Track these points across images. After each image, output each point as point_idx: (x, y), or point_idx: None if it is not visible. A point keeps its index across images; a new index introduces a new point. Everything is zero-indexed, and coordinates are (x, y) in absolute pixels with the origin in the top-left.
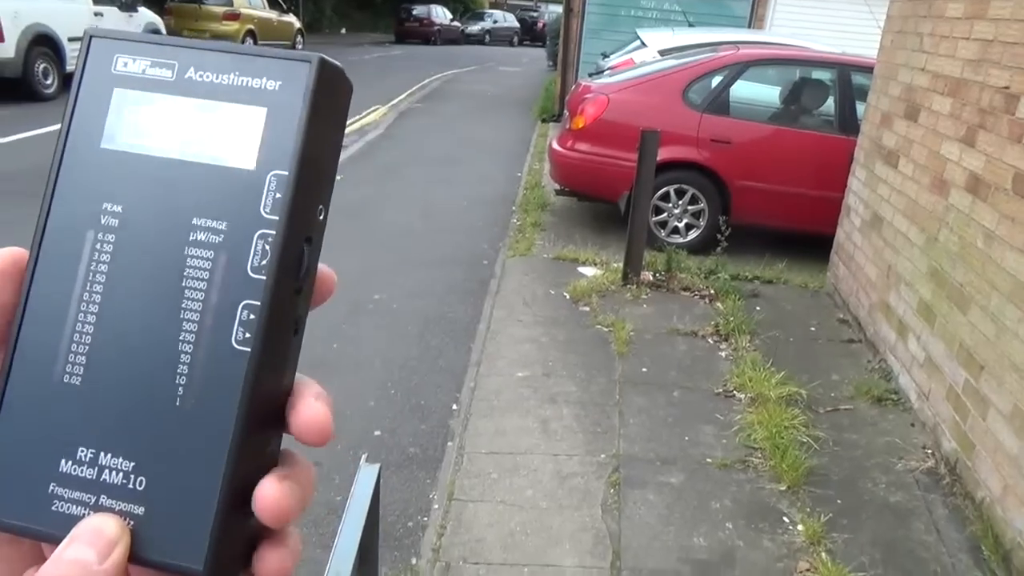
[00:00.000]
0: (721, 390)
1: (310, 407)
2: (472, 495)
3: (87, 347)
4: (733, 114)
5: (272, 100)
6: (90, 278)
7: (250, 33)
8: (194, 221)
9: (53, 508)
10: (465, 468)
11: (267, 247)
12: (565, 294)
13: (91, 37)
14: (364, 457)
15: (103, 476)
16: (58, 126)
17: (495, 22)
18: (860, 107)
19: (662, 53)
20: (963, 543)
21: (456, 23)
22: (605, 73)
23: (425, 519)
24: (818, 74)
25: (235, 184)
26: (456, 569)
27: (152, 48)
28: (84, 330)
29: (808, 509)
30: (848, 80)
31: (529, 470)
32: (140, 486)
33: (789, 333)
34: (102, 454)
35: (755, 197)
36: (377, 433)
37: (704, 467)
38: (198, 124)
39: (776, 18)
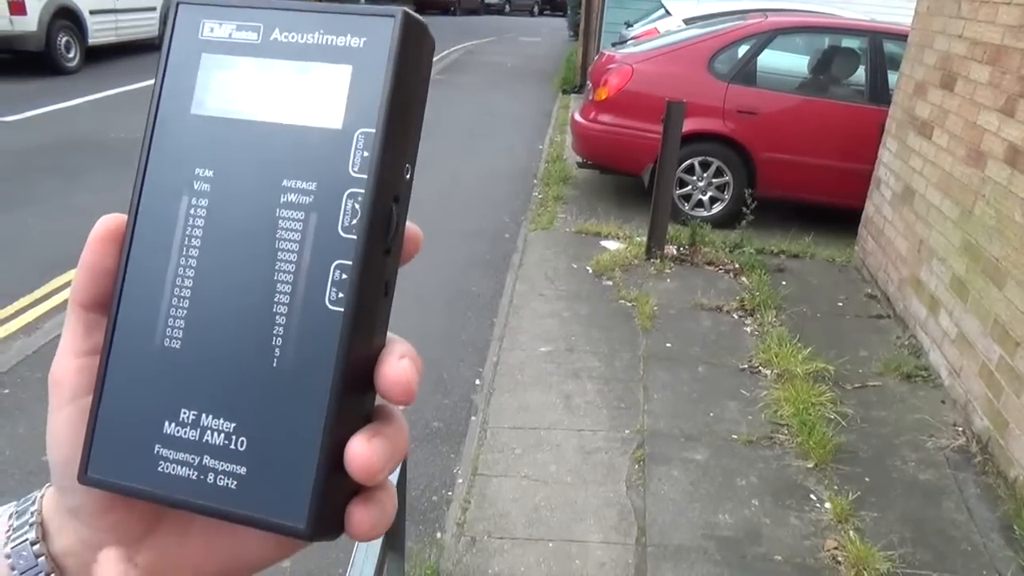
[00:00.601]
0: (747, 366)
1: (394, 366)
2: (496, 470)
3: (185, 311)
4: (760, 84)
5: (357, 58)
6: (185, 243)
7: None
8: (284, 183)
9: (159, 469)
10: (489, 443)
11: (356, 206)
12: (588, 268)
13: (178, 3)
14: None
15: (205, 437)
16: (83, 99)
17: None
18: (892, 77)
19: (687, 22)
20: (995, 523)
21: None
22: (629, 43)
23: (449, 493)
24: (849, 42)
25: (323, 144)
26: (481, 543)
27: (237, 12)
28: (181, 295)
29: (836, 487)
30: (880, 48)
31: (553, 445)
32: (241, 447)
33: (816, 308)
34: (204, 416)
35: (782, 169)
36: (400, 407)
37: (729, 443)
38: (284, 85)
39: None
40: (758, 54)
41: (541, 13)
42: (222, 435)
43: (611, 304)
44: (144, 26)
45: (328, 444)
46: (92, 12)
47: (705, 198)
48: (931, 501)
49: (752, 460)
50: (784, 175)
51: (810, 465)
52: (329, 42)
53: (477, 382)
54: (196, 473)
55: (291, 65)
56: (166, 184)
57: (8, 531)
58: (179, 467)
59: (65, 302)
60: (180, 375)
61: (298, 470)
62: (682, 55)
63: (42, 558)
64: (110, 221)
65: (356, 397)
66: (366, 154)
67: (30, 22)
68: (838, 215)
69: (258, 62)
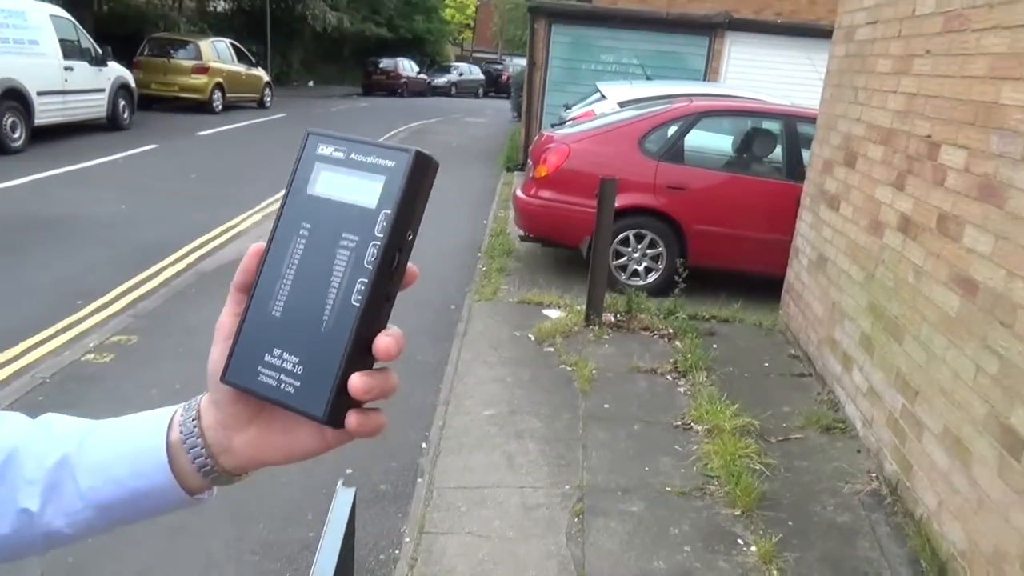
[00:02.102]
0: (679, 423)
1: (381, 339)
2: (442, 527)
3: (285, 297)
4: (688, 162)
5: (388, 172)
6: (291, 261)
7: (218, 86)
8: (343, 234)
9: (259, 379)
10: (435, 502)
11: (375, 251)
12: (530, 336)
13: (308, 133)
14: (340, 482)
15: (283, 364)
16: (26, 178)
17: (461, 75)
18: (806, 155)
19: (621, 105)
20: (904, 557)
21: (423, 75)
22: (567, 124)
23: (396, 552)
24: (766, 124)
25: (364, 215)
26: None
27: (336, 141)
28: (285, 288)
29: (761, 531)
30: (794, 130)
31: (496, 502)
32: (300, 371)
33: (744, 369)
34: (285, 353)
35: (710, 241)
36: (349, 471)
37: (663, 495)
38: (351, 183)
39: (730, 71)
40: (685, 135)
41: (486, 95)
42: (291, 364)
43: (552, 369)
44: (92, 107)
45: (341, 375)
46: (40, 93)
47: (640, 268)
48: (847, 541)
49: (684, 510)
50: (713, 246)
51: (737, 512)
52: (376, 162)
53: (424, 445)
54: (277, 383)
55: (357, 172)
56: (288, 228)
57: (182, 413)
58: (269, 378)
59: (16, 372)
60: (277, 330)
61: (324, 387)
62: (615, 136)
63: (196, 427)
64: (257, 247)
65: (360, 354)
66: (384, 224)
67: None
68: (764, 282)
69: (342, 169)
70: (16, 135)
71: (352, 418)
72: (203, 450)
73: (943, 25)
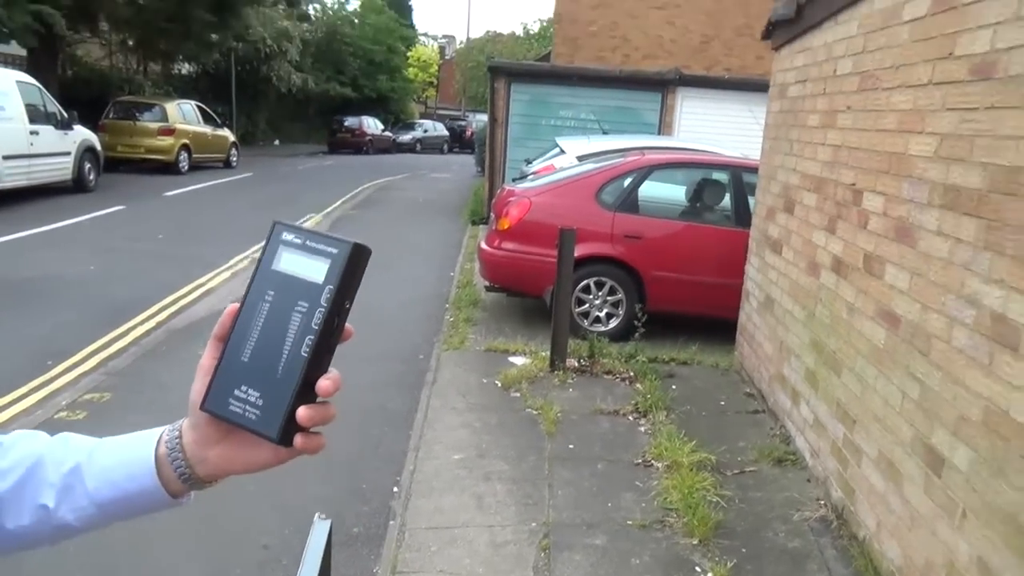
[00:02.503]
0: (640, 460)
1: (322, 381)
2: (414, 567)
3: (252, 346)
4: (642, 212)
5: (332, 257)
6: (258, 319)
7: (185, 147)
8: (298, 302)
9: (230, 408)
10: (407, 543)
11: (320, 315)
12: (497, 382)
13: (275, 223)
14: (317, 515)
15: (248, 397)
16: None
17: (425, 131)
18: (752, 202)
19: (580, 159)
20: None
21: (388, 133)
22: (528, 178)
23: None
24: (715, 175)
25: (313, 288)
26: None
27: (297, 231)
28: (252, 339)
29: (717, 558)
30: (740, 179)
31: (466, 541)
32: (260, 403)
33: (701, 407)
34: (250, 389)
35: (667, 286)
36: (323, 516)
37: (625, 529)
38: (305, 263)
39: (683, 124)
40: (639, 186)
41: (451, 151)
42: (254, 397)
43: (519, 413)
44: (58, 170)
45: (291, 407)
46: (5, 157)
47: (602, 314)
48: (798, 565)
49: (645, 541)
50: (670, 291)
51: (695, 542)
52: (324, 248)
53: (395, 490)
54: (243, 411)
55: (309, 255)
56: (257, 294)
57: (168, 432)
58: (237, 407)
59: None
60: (245, 372)
61: (278, 415)
62: (573, 188)
63: (179, 444)
64: (232, 307)
65: (306, 391)
66: (327, 295)
67: None
68: (720, 325)
69: (298, 252)
70: None
71: (298, 439)
72: (183, 462)
73: (859, 84)
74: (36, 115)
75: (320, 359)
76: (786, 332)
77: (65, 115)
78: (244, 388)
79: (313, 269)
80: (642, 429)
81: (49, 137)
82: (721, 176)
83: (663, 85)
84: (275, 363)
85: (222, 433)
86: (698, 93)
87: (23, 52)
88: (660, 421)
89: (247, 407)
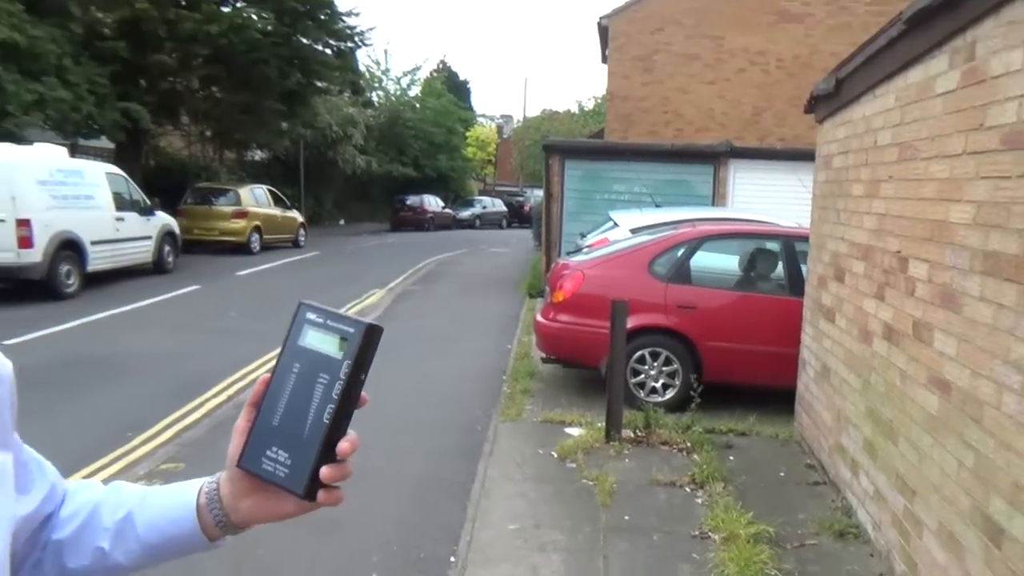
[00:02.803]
0: (697, 532)
1: (342, 443)
2: None
3: (281, 412)
4: (695, 282)
5: (350, 335)
6: (286, 389)
7: (256, 229)
8: (320, 373)
9: (263, 466)
10: None
11: (339, 387)
12: (553, 453)
13: (300, 303)
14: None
15: (278, 457)
16: (78, 321)
17: (484, 207)
18: (806, 271)
19: (633, 231)
20: None
21: (448, 210)
22: (583, 251)
23: None
24: (766, 244)
25: (333, 363)
26: None
27: (320, 311)
28: (281, 406)
29: None
30: (792, 248)
31: None
32: (288, 462)
33: (760, 479)
34: (279, 450)
35: (723, 356)
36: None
37: None
38: (327, 340)
39: (736, 195)
40: (691, 257)
41: (509, 225)
42: (283, 457)
43: (574, 484)
44: (140, 253)
45: (314, 466)
46: (93, 242)
47: (658, 385)
48: None
49: None
50: (725, 361)
51: None
52: (343, 328)
53: (452, 559)
54: (274, 469)
55: (330, 333)
56: (285, 367)
57: (208, 484)
58: (269, 466)
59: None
60: (275, 434)
61: (304, 474)
62: (625, 260)
63: (216, 495)
64: (264, 377)
65: (328, 452)
66: (346, 370)
67: (35, 254)
68: (779, 395)
69: (321, 330)
70: (70, 282)
71: (321, 494)
72: (220, 510)
73: (899, 155)
74: (122, 203)
75: (340, 424)
76: (843, 401)
77: (148, 202)
78: (275, 449)
79: (333, 346)
80: (699, 500)
81: (133, 223)
82: (773, 245)
83: (715, 157)
84: (301, 427)
85: (254, 486)
86: (750, 164)
87: (111, 145)
88: (717, 492)
89: (277, 466)
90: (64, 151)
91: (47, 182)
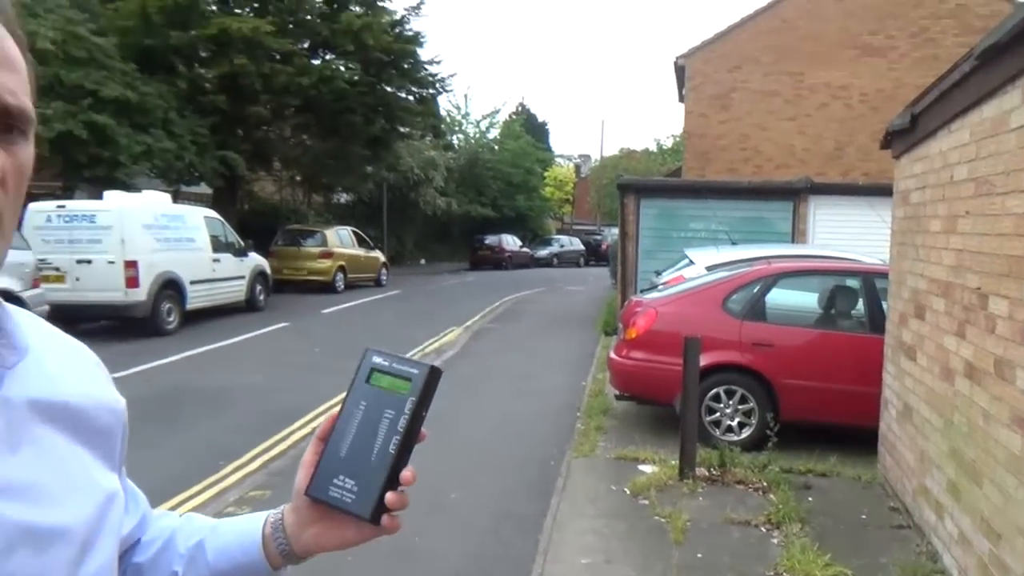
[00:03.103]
0: (772, 573)
1: (404, 473)
2: None
3: (348, 444)
4: (771, 319)
5: (413, 376)
6: (353, 423)
7: (341, 269)
8: (385, 410)
9: (330, 493)
10: None
11: (403, 421)
12: (626, 489)
13: (367, 349)
14: None
15: (345, 485)
16: (178, 356)
17: (562, 246)
18: (887, 307)
19: (709, 269)
20: None
21: (525, 249)
22: (657, 288)
23: None
24: (845, 281)
25: (398, 400)
26: None
27: (384, 354)
28: (348, 439)
29: None
30: (873, 285)
31: None
32: (355, 489)
33: (839, 520)
34: (347, 479)
35: (800, 395)
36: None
37: None
38: (392, 380)
39: (816, 232)
40: (766, 294)
41: (587, 264)
42: (350, 484)
43: (647, 520)
44: (234, 292)
45: (381, 492)
46: (192, 282)
47: (734, 423)
48: None
49: None
50: (803, 400)
51: None
52: (407, 370)
53: None
54: (341, 496)
55: (395, 374)
56: (352, 404)
57: (273, 515)
58: (336, 493)
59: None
60: (343, 464)
61: (371, 499)
62: (699, 297)
63: (281, 524)
64: (332, 413)
65: (393, 481)
66: (410, 406)
67: (141, 293)
68: (862, 435)
69: (386, 372)
70: (171, 319)
71: (386, 519)
72: (284, 540)
73: (975, 190)
74: (219, 245)
75: (403, 456)
76: (926, 441)
77: (242, 244)
78: (342, 478)
79: (398, 385)
80: (774, 541)
81: (228, 264)
82: (852, 282)
83: (794, 194)
84: (367, 458)
85: (317, 516)
86: (831, 200)
87: (209, 190)
88: (794, 533)
89: (344, 492)
90: (168, 197)
91: (152, 226)
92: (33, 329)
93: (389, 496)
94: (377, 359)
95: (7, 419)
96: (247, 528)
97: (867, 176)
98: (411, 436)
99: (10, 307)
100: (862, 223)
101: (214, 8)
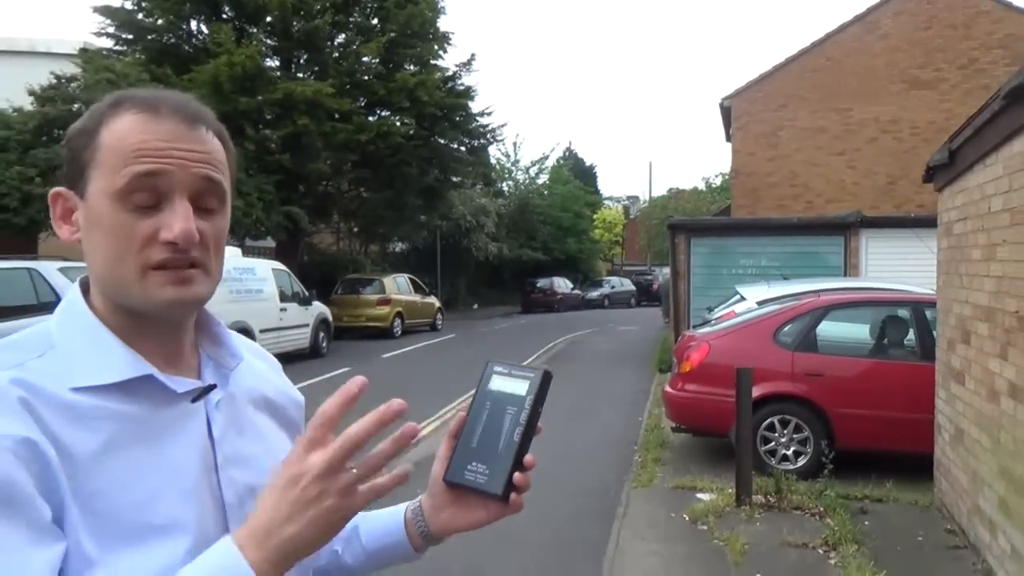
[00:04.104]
0: None
1: (527, 457)
2: None
3: (478, 436)
4: (822, 350)
5: (530, 379)
6: (481, 419)
7: (398, 315)
8: (508, 407)
9: (466, 476)
10: None
11: (524, 415)
12: (684, 516)
13: (488, 362)
14: None
15: (476, 469)
16: None
17: (613, 287)
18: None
19: (760, 304)
20: None
21: (576, 291)
22: (710, 323)
23: None
24: (896, 311)
25: (518, 399)
26: None
27: (503, 363)
28: (478, 431)
29: None
30: (923, 314)
31: None
32: (487, 472)
33: (896, 542)
34: (479, 464)
35: (854, 423)
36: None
37: None
38: (512, 384)
39: (869, 265)
40: (816, 325)
41: (638, 304)
42: (482, 469)
43: (705, 544)
44: (299, 339)
45: (509, 473)
46: (261, 331)
47: (789, 452)
48: None
49: None
50: (857, 428)
51: None
52: (524, 374)
53: None
54: (474, 477)
55: (514, 379)
56: (479, 404)
57: (413, 502)
58: (470, 475)
59: None
60: (474, 452)
61: (501, 479)
62: (751, 331)
63: (420, 509)
64: (461, 415)
65: (519, 463)
66: (528, 404)
67: None
68: (918, 461)
69: (507, 377)
70: None
71: (513, 497)
72: (423, 522)
73: (1010, 219)
74: (285, 295)
75: (525, 444)
76: (977, 462)
77: (307, 293)
78: (475, 464)
79: (518, 387)
80: (832, 561)
81: (294, 312)
82: (903, 312)
83: (844, 228)
84: (496, 446)
85: (451, 500)
86: (883, 233)
87: (273, 244)
88: (850, 554)
89: (478, 475)
90: (238, 251)
91: (226, 279)
92: (238, 339)
93: (517, 476)
94: (498, 368)
95: (233, 408)
96: (392, 515)
97: (922, 208)
98: (531, 428)
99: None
100: (915, 255)
101: (278, 74)
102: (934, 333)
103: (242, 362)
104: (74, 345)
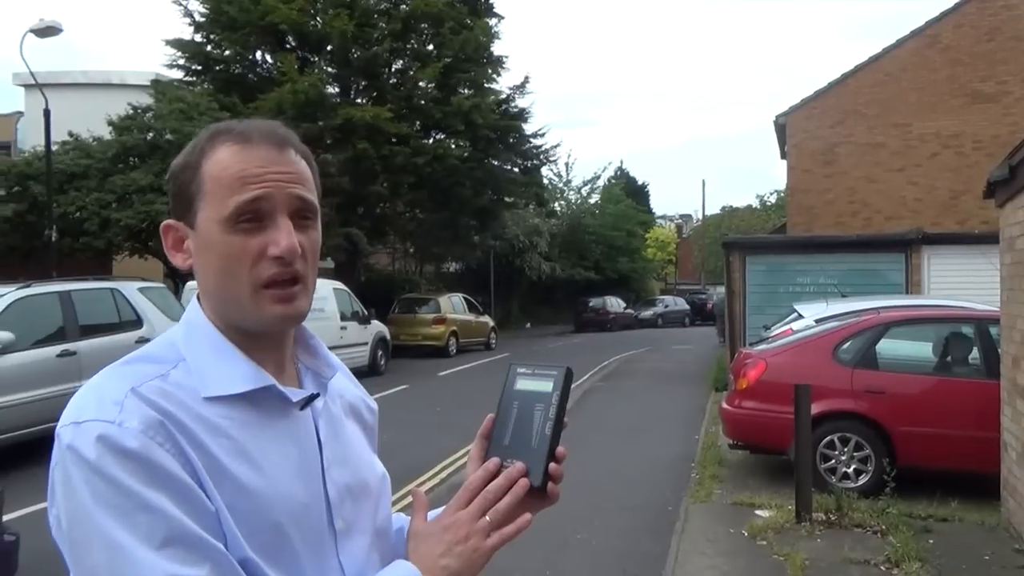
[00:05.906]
0: None
1: (559, 449)
2: None
3: (510, 434)
4: (882, 367)
5: (554, 377)
6: (510, 419)
7: (453, 334)
8: (536, 404)
9: (504, 465)
10: None
11: (552, 411)
12: (743, 532)
13: (511, 364)
14: None
15: (513, 464)
16: None
17: (666, 306)
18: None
19: (818, 322)
20: None
21: (629, 310)
22: (767, 341)
23: None
24: (959, 327)
25: (545, 396)
26: None
27: (526, 364)
28: (509, 429)
29: None
30: (987, 331)
31: None
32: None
33: (961, 560)
34: (513, 460)
35: (916, 441)
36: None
37: None
38: (537, 382)
39: (932, 281)
40: (876, 342)
41: (692, 323)
42: (512, 463)
43: (765, 559)
44: (358, 357)
45: (545, 463)
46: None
47: (850, 470)
48: None
49: None
50: (920, 446)
51: None
52: (548, 372)
53: None
54: (512, 462)
55: (539, 378)
56: (507, 404)
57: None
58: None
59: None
60: (507, 449)
61: (539, 469)
62: (808, 348)
63: None
64: (490, 417)
65: (551, 455)
66: (555, 400)
67: None
68: (985, 480)
69: (530, 376)
70: None
71: (550, 487)
72: None
73: None
74: (345, 314)
75: (557, 436)
76: None
77: (366, 313)
78: (509, 460)
79: (543, 385)
80: None
81: (353, 331)
82: (966, 329)
83: (905, 245)
84: (528, 440)
85: None
86: (946, 250)
87: (332, 264)
88: (914, 571)
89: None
90: None
91: None
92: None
93: (552, 466)
94: (521, 369)
95: (332, 413)
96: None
97: (986, 224)
98: (559, 422)
99: None
100: (979, 272)
101: (338, 100)
102: (998, 350)
103: (337, 372)
104: (202, 357)
